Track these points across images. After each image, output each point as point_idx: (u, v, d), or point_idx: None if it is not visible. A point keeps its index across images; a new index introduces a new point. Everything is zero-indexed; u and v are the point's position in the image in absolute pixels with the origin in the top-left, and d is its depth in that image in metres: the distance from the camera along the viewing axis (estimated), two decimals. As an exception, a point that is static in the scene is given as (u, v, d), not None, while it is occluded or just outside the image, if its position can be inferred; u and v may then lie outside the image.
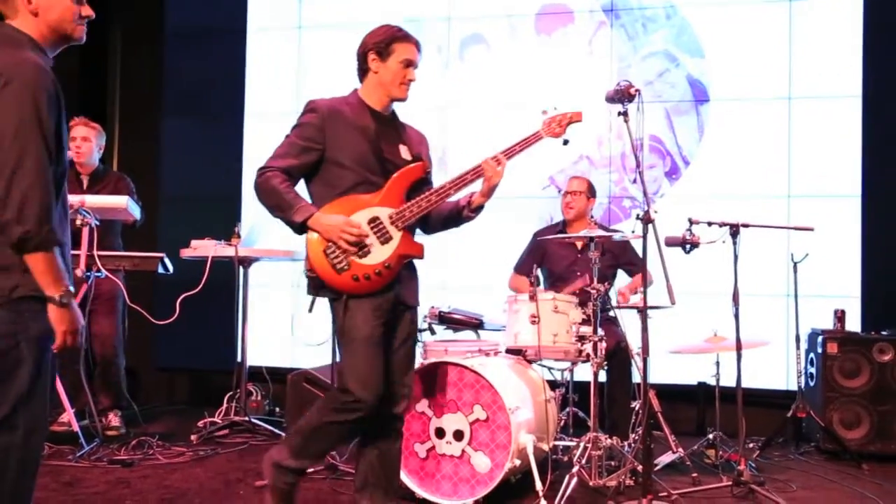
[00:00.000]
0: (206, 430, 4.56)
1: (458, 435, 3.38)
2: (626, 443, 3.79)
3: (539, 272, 3.87)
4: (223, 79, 6.08)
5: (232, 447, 4.35)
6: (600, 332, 3.69)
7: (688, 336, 4.16)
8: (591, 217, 4.31)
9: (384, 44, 2.72)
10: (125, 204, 4.25)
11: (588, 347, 3.63)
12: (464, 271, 5.30)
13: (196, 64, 6.12)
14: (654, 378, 4.51)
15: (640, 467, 3.37)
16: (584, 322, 3.65)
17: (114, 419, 4.60)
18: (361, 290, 2.61)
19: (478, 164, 2.73)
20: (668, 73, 5.31)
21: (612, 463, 3.72)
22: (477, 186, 2.79)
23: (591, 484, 3.47)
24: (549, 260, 4.40)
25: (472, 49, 5.66)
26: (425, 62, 5.57)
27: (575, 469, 3.42)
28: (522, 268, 4.42)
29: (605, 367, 3.95)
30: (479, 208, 2.81)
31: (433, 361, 3.48)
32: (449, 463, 3.39)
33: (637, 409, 3.96)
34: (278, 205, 2.65)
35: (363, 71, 2.78)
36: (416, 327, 2.92)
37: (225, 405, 4.83)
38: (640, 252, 3.31)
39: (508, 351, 3.83)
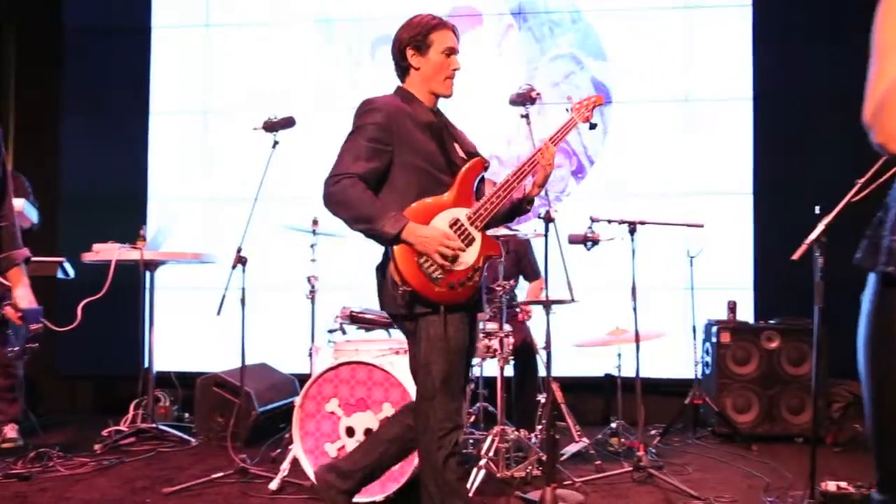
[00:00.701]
0: (111, 438, 4.46)
1: (369, 433, 3.42)
2: (532, 434, 3.92)
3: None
4: (126, 77, 5.94)
5: (138, 455, 4.27)
6: (507, 328, 3.81)
7: (592, 330, 4.34)
8: None
9: (421, 35, 2.54)
10: (20, 206, 4.12)
11: (495, 343, 3.75)
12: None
13: (98, 62, 5.96)
14: (561, 371, 4.66)
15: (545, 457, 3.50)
16: (491, 319, 3.76)
17: (9, 431, 4.42)
18: (458, 298, 2.45)
19: (532, 155, 2.65)
20: (573, 76, 5.50)
21: (521, 454, 3.83)
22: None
23: (498, 475, 3.59)
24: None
25: (384, 49, 5.69)
26: (335, 62, 5.71)
27: (483, 461, 3.53)
28: None
29: (513, 362, 4.07)
30: (532, 201, 2.73)
31: (343, 361, 3.51)
32: (360, 461, 3.43)
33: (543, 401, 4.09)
34: (362, 216, 2.40)
35: (403, 69, 2.61)
36: (475, 333, 2.73)
37: (131, 412, 4.73)
38: (542, 250, 3.43)
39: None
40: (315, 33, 5.74)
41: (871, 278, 1.46)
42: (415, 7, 5.54)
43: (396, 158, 2.47)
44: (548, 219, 3.26)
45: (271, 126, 3.93)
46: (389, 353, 3.73)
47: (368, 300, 4.48)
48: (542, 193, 2.92)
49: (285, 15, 5.76)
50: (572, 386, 4.73)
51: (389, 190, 2.49)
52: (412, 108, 2.53)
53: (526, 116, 3.38)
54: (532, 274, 4.50)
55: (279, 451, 4.05)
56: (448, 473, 2.45)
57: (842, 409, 4.55)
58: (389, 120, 2.46)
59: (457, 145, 2.63)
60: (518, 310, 4.25)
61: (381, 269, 2.58)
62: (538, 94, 3.36)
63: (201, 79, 5.87)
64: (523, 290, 4.61)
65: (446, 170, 2.53)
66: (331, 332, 4.13)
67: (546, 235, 3.27)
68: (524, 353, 4.17)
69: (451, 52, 2.56)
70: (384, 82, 5.48)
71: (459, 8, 5.61)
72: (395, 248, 2.40)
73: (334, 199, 2.43)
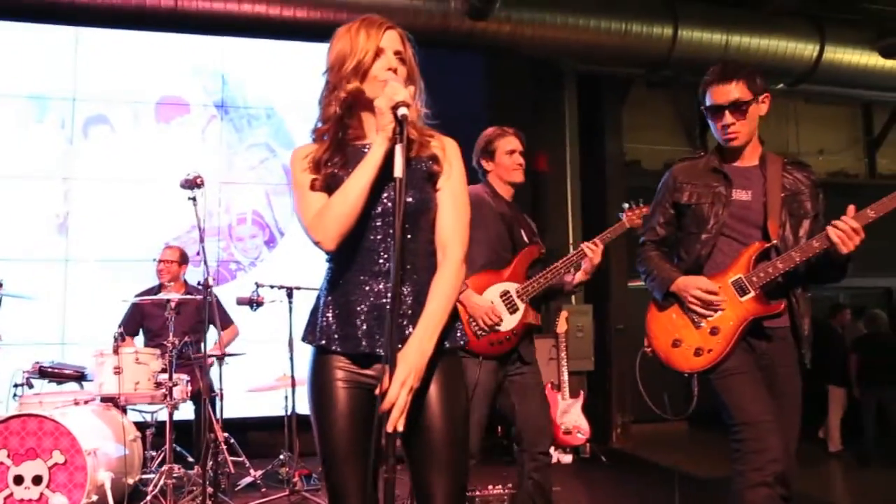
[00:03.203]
0: None
1: (37, 480, 3.35)
2: (206, 469, 4.01)
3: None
4: None
5: None
6: (183, 377, 3.92)
7: (264, 376, 4.53)
8: (175, 282, 4.47)
9: (487, 146, 2.88)
10: None
11: (168, 391, 3.83)
12: (83, 328, 5.16)
13: None
14: (243, 412, 4.85)
15: (210, 490, 3.63)
16: (163, 371, 3.84)
17: None
18: (494, 352, 2.76)
19: (579, 249, 2.88)
20: (268, 161, 5.82)
21: (194, 488, 3.91)
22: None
23: (165, 509, 3.65)
24: (148, 318, 4.51)
25: (97, 128, 5.62)
26: (48, 136, 5.49)
27: (148, 497, 3.57)
28: (126, 328, 4.46)
29: (193, 407, 4.16)
30: (581, 284, 2.95)
31: (13, 415, 3.42)
32: (27, 507, 3.33)
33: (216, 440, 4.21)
34: None
35: (483, 173, 2.92)
36: (537, 378, 2.91)
37: None
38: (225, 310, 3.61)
39: (104, 399, 3.87)
40: (27, 108, 5.49)
41: (312, 350, 1.70)
42: (124, 92, 5.63)
43: (472, 234, 2.72)
44: (206, 286, 3.47)
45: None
46: (71, 404, 3.69)
47: (60, 355, 4.37)
48: (202, 262, 3.12)
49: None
50: (260, 424, 4.89)
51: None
52: (491, 197, 2.85)
53: (193, 199, 3.56)
54: (224, 323, 4.61)
55: (-52, 506, 3.74)
56: None
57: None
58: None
59: (523, 231, 2.91)
60: (192, 359, 4.35)
61: None
62: (202, 180, 3.56)
63: None
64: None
65: (509, 248, 2.84)
66: (16, 386, 3.94)
67: (205, 299, 3.47)
68: (202, 398, 4.27)
69: (514, 151, 2.88)
70: (97, 157, 5.47)
71: (168, 97, 5.71)
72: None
73: None
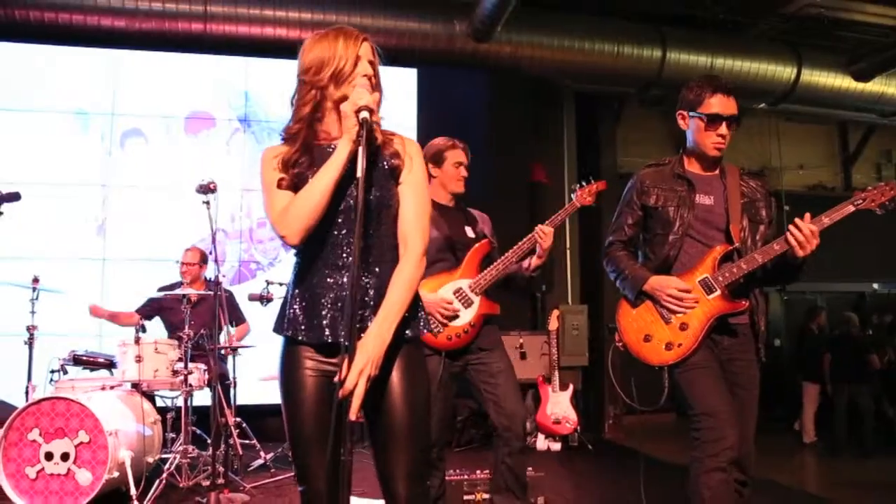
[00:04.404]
0: None
1: (65, 456, 3.35)
2: (216, 450, 3.99)
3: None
4: None
5: None
6: (201, 366, 3.90)
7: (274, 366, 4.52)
8: (196, 281, 4.46)
9: (438, 154, 2.77)
10: None
11: (184, 379, 3.82)
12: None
13: None
14: (259, 399, 4.82)
15: (221, 469, 3.61)
16: (180, 360, 3.83)
17: None
18: (454, 346, 2.66)
19: (531, 235, 2.75)
20: (287, 171, 5.80)
21: (207, 468, 3.88)
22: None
23: (181, 485, 3.63)
24: (166, 313, 4.50)
25: (132, 140, 5.66)
26: (89, 147, 5.55)
27: (164, 475, 3.57)
28: (140, 311, 4.48)
29: (210, 393, 4.13)
30: (538, 268, 2.81)
31: (45, 397, 3.43)
32: (56, 481, 3.34)
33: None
34: None
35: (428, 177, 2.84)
36: (503, 364, 2.75)
37: None
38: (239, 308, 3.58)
39: (133, 385, 3.87)
40: (72, 122, 5.55)
41: (282, 340, 1.66)
42: (157, 107, 5.67)
43: None
44: (216, 282, 3.46)
45: (-5, 198, 3.74)
46: (99, 389, 3.70)
47: (98, 346, 4.37)
48: (213, 265, 3.09)
49: (45, 102, 5.50)
50: (273, 411, 4.84)
51: None
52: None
53: (207, 203, 3.53)
54: (237, 320, 4.61)
55: (-13, 478, 3.74)
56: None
57: (463, 420, 5.11)
58: None
59: (468, 228, 2.80)
60: (207, 351, 4.34)
61: None
62: (215, 185, 3.53)
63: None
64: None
65: (447, 249, 2.71)
66: (52, 372, 3.96)
67: (215, 294, 3.46)
68: (219, 385, 4.25)
69: (460, 164, 2.78)
70: (132, 167, 5.50)
71: (196, 112, 5.74)
72: None
73: None
